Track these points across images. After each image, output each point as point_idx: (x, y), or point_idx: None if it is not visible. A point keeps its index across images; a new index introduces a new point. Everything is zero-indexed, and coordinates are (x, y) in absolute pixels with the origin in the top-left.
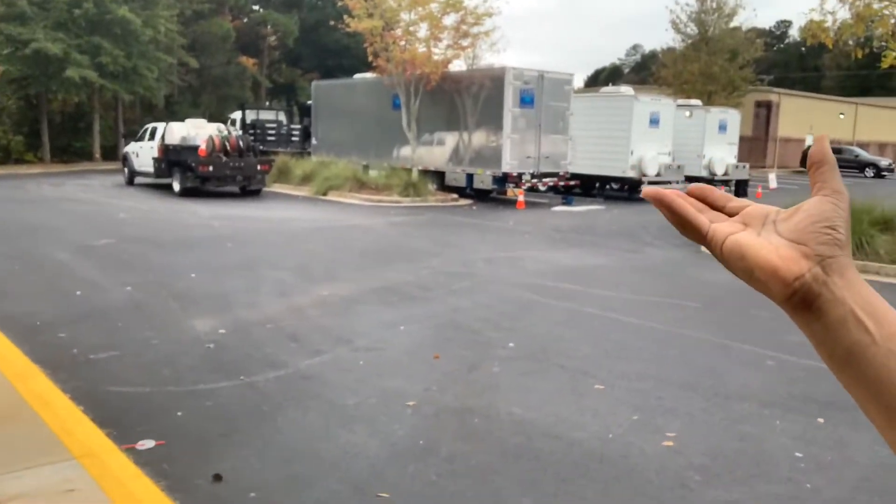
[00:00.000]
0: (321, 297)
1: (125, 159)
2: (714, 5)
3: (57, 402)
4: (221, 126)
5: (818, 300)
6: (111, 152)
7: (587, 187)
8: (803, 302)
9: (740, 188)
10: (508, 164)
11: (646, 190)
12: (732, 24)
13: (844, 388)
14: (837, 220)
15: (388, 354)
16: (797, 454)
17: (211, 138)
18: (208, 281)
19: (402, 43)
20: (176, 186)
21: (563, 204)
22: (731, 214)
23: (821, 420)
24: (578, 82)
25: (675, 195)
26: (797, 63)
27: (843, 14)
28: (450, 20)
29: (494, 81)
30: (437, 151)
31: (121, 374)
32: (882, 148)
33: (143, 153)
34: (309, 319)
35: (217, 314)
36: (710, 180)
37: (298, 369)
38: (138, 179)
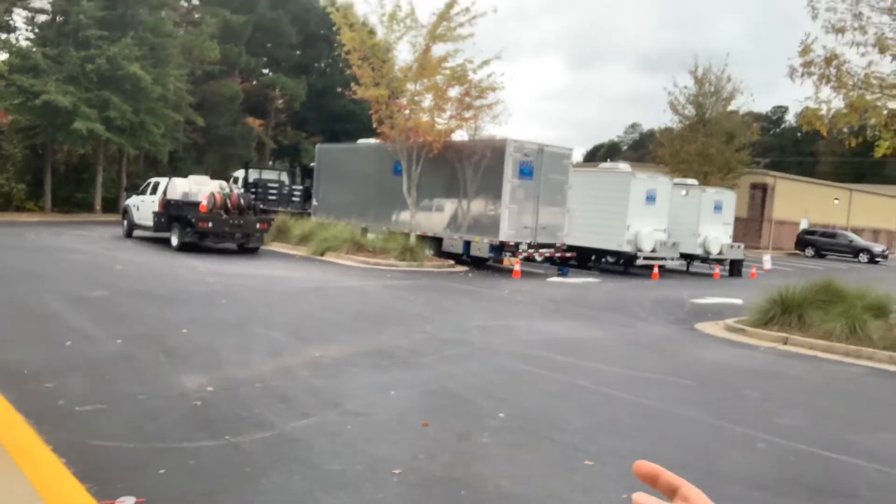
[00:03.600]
0: (313, 358)
1: (125, 212)
2: (712, 89)
3: (39, 454)
4: (224, 183)
5: None
6: (112, 204)
7: (583, 259)
8: None
9: (735, 267)
10: (506, 234)
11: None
12: (730, 108)
13: None
14: None
15: (377, 419)
16: None
17: (213, 195)
18: (200, 337)
19: (407, 112)
20: (174, 241)
21: (559, 275)
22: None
23: None
24: (577, 157)
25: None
26: (793, 148)
27: (838, 103)
28: (454, 92)
29: (495, 152)
30: (436, 217)
31: (106, 428)
32: (876, 234)
33: (143, 206)
34: (299, 380)
35: (206, 371)
36: (705, 258)
37: (285, 431)
38: (137, 232)
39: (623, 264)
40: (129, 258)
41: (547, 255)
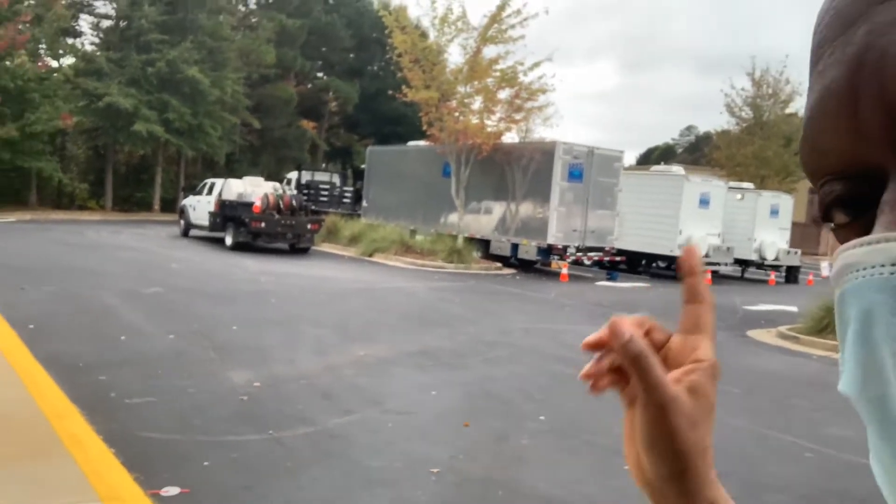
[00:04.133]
0: (357, 357)
1: (182, 212)
2: (770, 91)
3: (90, 444)
4: (277, 185)
5: None
6: (170, 204)
7: (633, 264)
8: None
9: (791, 274)
10: (554, 237)
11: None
12: (788, 111)
13: None
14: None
15: (418, 419)
16: None
17: (266, 196)
18: (249, 334)
19: (457, 114)
20: (228, 240)
21: (608, 279)
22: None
23: None
24: (631, 159)
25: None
26: None
27: None
28: (504, 94)
29: (544, 155)
30: (484, 220)
31: (154, 420)
32: None
33: (200, 207)
34: (343, 378)
35: (254, 367)
36: (761, 264)
37: (327, 427)
38: (193, 232)
39: (674, 269)
40: (185, 256)
41: (596, 258)
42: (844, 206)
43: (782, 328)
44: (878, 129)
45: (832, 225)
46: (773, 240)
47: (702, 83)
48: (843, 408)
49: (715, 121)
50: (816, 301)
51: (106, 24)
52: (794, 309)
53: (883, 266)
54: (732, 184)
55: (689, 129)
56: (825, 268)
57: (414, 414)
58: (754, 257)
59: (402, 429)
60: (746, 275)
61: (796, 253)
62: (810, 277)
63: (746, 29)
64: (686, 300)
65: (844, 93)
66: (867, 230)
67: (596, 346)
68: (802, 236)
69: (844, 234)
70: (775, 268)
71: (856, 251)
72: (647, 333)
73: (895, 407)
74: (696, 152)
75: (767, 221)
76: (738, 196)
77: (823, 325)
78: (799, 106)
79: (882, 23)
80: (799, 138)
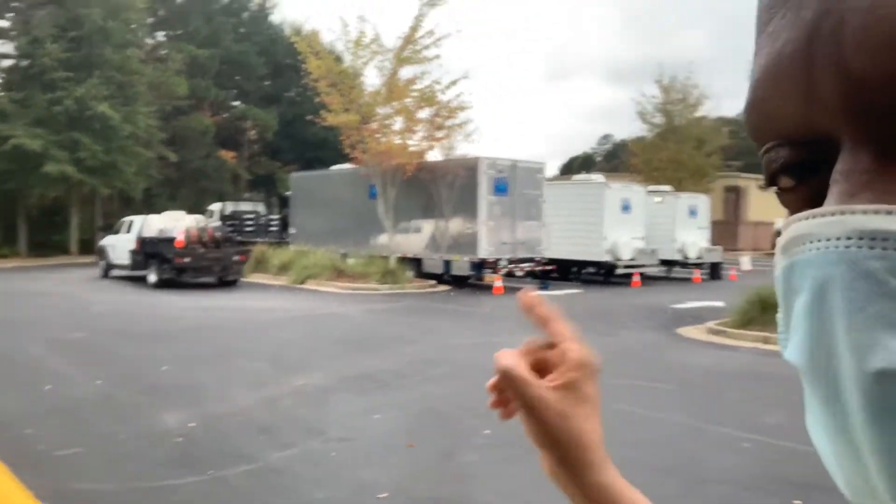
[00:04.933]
0: (295, 387)
1: (101, 252)
2: (679, 97)
3: (21, 501)
4: (199, 217)
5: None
6: (88, 246)
7: (564, 271)
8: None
9: (714, 270)
10: (485, 251)
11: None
12: (698, 114)
13: None
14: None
15: (361, 444)
16: None
17: (188, 230)
18: (180, 373)
19: (378, 136)
20: (152, 278)
21: (541, 288)
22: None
23: (798, 502)
24: (552, 170)
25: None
26: None
27: None
28: (424, 114)
29: (469, 170)
30: (415, 239)
31: (86, 471)
32: None
33: (119, 246)
34: (281, 410)
35: (187, 407)
36: (685, 263)
37: (268, 462)
38: (114, 272)
39: (604, 274)
40: (108, 298)
41: (527, 269)
42: (790, 171)
43: (710, 324)
44: (832, 97)
45: (776, 189)
46: (694, 239)
47: (616, 93)
48: (774, 397)
49: (630, 128)
50: (741, 295)
51: (6, 63)
52: (720, 304)
53: (839, 239)
54: (651, 188)
55: (606, 137)
56: (746, 262)
57: (357, 440)
58: (678, 257)
59: (346, 456)
60: (672, 274)
61: (718, 250)
62: (733, 273)
63: (653, 39)
64: (540, 327)
65: (798, 57)
66: (813, 195)
67: (496, 387)
68: (721, 234)
69: (789, 197)
70: (699, 265)
71: (809, 223)
72: (530, 353)
73: (842, 381)
74: (615, 160)
75: (687, 222)
76: (658, 199)
77: (748, 319)
78: (707, 109)
79: None
80: (710, 140)
